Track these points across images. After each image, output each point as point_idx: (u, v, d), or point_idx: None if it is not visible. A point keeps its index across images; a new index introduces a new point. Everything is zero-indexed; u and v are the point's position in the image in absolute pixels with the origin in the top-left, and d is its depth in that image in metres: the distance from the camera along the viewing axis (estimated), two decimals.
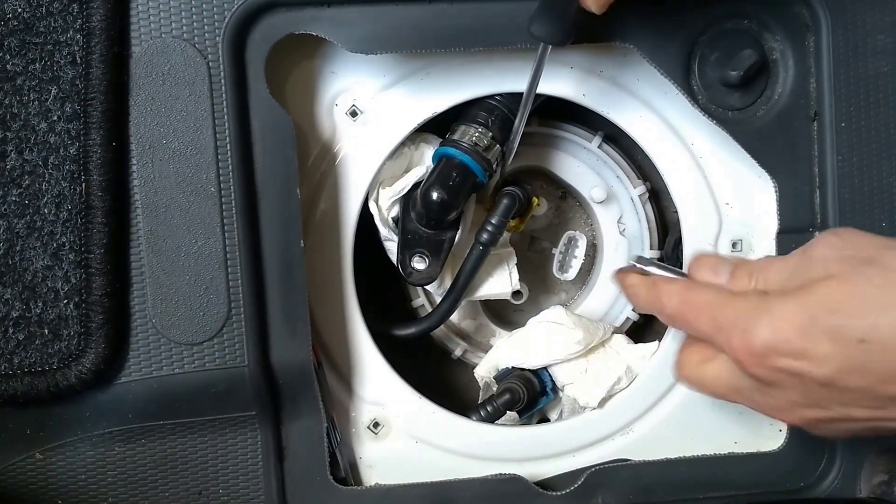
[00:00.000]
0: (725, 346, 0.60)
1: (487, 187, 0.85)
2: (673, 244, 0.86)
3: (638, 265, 0.70)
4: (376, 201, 0.78)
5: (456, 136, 0.76)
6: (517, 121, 0.75)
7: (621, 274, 0.71)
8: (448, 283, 0.81)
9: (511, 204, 0.78)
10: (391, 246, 0.79)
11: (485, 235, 0.78)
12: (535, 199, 0.81)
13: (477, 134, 0.76)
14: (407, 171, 0.78)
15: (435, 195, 0.74)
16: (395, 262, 0.79)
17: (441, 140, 0.78)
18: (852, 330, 0.55)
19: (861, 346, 0.54)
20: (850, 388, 0.56)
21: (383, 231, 0.79)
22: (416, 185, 0.77)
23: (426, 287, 0.84)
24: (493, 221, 0.78)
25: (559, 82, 0.77)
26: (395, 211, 0.78)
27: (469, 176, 0.76)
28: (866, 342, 0.54)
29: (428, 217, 0.76)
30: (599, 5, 0.63)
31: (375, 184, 0.77)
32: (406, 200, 0.77)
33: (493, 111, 0.76)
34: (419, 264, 0.78)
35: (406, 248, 0.78)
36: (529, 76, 0.71)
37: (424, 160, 0.79)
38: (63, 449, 0.72)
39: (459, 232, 0.79)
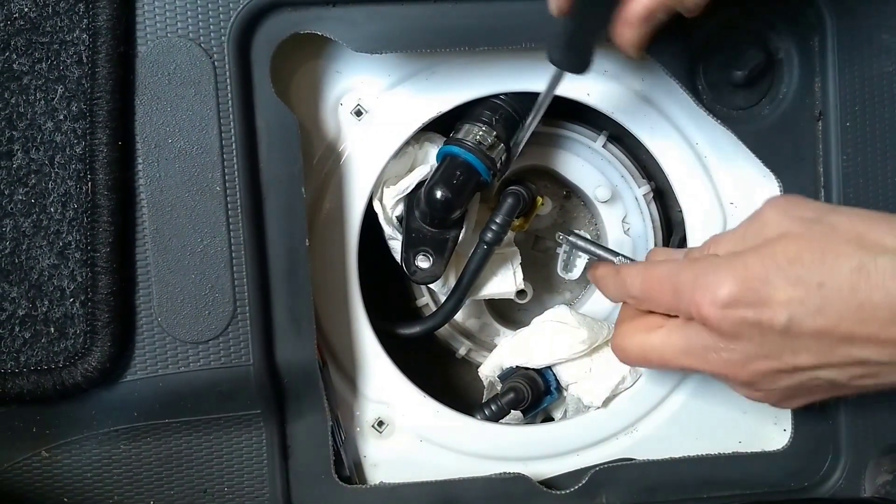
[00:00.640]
0: (690, 305, 0.62)
1: (492, 186, 0.85)
2: (677, 244, 0.86)
3: (570, 238, 0.77)
4: (380, 200, 0.78)
5: (460, 135, 0.76)
6: (522, 133, 0.75)
7: (592, 267, 0.74)
8: (452, 281, 0.81)
9: (515, 203, 0.78)
10: (395, 245, 0.79)
11: (489, 235, 0.78)
12: (539, 199, 0.81)
13: (481, 133, 0.76)
14: (411, 169, 0.78)
15: (439, 194, 0.75)
16: (399, 260, 0.79)
17: (445, 139, 0.78)
18: (811, 275, 0.59)
19: (820, 290, 0.58)
20: (805, 333, 0.60)
21: (387, 230, 0.79)
22: (420, 184, 0.77)
23: (430, 286, 0.84)
24: (497, 221, 0.78)
25: (564, 81, 0.77)
26: (400, 210, 0.78)
27: (473, 175, 0.76)
28: (825, 286, 0.58)
29: (432, 216, 0.76)
30: (635, 50, 0.65)
31: (380, 183, 0.78)
32: (410, 199, 0.78)
33: (497, 110, 0.77)
34: (423, 263, 0.78)
35: (410, 247, 0.78)
36: (541, 97, 0.73)
37: (429, 159, 0.79)
38: (69, 447, 0.72)
39: (463, 231, 0.79)
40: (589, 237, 0.79)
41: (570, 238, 0.77)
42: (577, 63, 0.68)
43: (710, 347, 0.64)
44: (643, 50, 0.66)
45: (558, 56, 0.68)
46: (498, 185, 0.81)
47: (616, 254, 0.76)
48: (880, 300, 0.57)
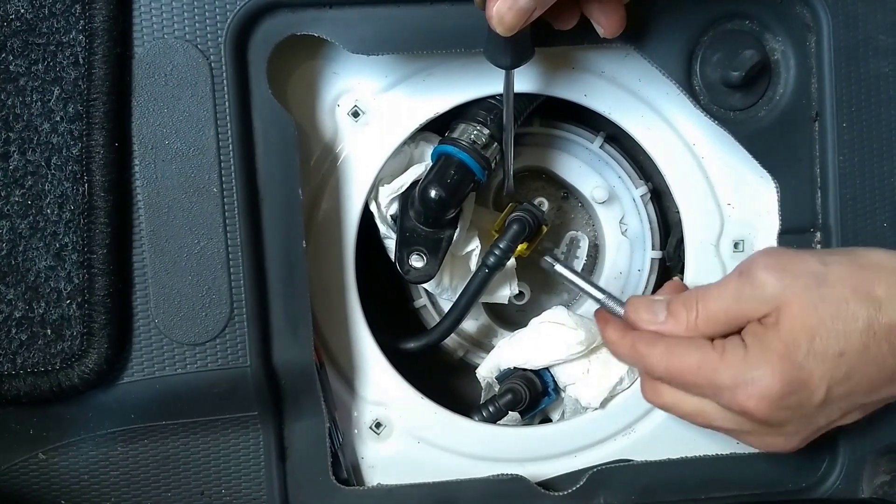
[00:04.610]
0: (732, 403, 0.65)
1: (488, 186, 0.85)
2: (675, 244, 0.86)
3: (556, 268, 0.76)
4: (375, 199, 0.78)
5: (455, 135, 0.76)
6: (506, 134, 0.75)
7: (601, 323, 0.73)
8: (446, 281, 0.81)
9: (520, 230, 0.78)
10: (390, 244, 0.79)
11: (491, 259, 0.77)
12: (543, 227, 0.80)
13: (475, 132, 0.76)
14: (406, 168, 0.78)
15: (433, 193, 0.75)
16: (393, 259, 0.79)
17: (440, 138, 0.78)
18: (831, 346, 0.63)
19: (841, 359, 0.63)
20: (836, 399, 0.64)
21: (382, 229, 0.79)
22: (414, 183, 0.77)
23: (427, 288, 0.84)
24: (500, 246, 0.77)
25: (561, 83, 0.77)
26: (394, 208, 0.78)
27: (467, 174, 0.76)
28: (844, 353, 0.63)
29: (426, 215, 0.76)
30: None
31: (377, 184, 0.78)
32: (405, 198, 0.78)
33: (492, 110, 0.77)
34: (417, 262, 0.78)
35: (404, 246, 0.78)
36: (503, 98, 0.73)
37: (424, 158, 0.79)
38: (66, 449, 0.72)
39: (457, 230, 0.79)
40: (575, 270, 0.77)
41: (556, 268, 0.76)
42: (501, 58, 0.68)
43: (752, 433, 0.68)
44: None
45: (487, 54, 0.68)
46: (507, 205, 0.81)
47: (602, 291, 0.74)
48: (887, 350, 0.63)
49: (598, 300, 0.74)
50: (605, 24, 0.68)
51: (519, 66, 0.69)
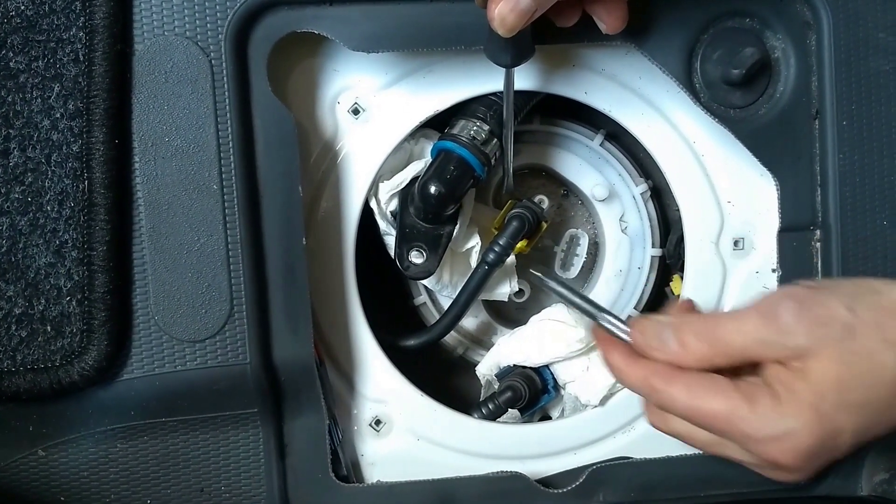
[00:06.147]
0: (762, 455, 0.63)
1: (488, 183, 0.85)
2: (675, 242, 0.86)
3: (548, 282, 0.69)
4: (375, 195, 0.78)
5: (455, 131, 0.76)
6: (505, 130, 0.75)
7: (602, 344, 0.67)
8: (446, 278, 0.81)
9: (520, 227, 0.78)
10: (390, 240, 0.79)
11: (491, 256, 0.78)
12: (543, 224, 0.80)
13: (475, 128, 0.76)
14: (406, 165, 0.78)
15: (433, 189, 0.75)
16: (392, 255, 0.79)
17: (440, 134, 0.78)
18: (861, 398, 0.61)
19: (868, 408, 0.62)
20: (859, 444, 0.63)
21: (382, 225, 0.79)
22: (414, 179, 0.77)
23: (427, 285, 0.84)
24: (500, 243, 0.78)
25: (561, 80, 0.77)
26: (394, 204, 0.78)
27: (467, 170, 0.76)
28: (871, 404, 0.62)
29: (426, 211, 0.76)
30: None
31: (377, 180, 0.78)
32: (404, 194, 0.78)
33: (492, 106, 0.77)
34: (417, 258, 0.78)
35: (404, 242, 0.78)
36: (504, 96, 0.73)
37: (424, 154, 0.79)
38: (65, 446, 0.72)
39: (457, 227, 0.79)
40: (566, 283, 0.70)
41: (549, 282, 0.69)
42: (502, 56, 0.68)
43: (776, 474, 0.65)
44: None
45: (487, 53, 0.68)
46: (506, 202, 0.81)
47: (599, 308, 0.67)
48: None
49: (594, 317, 0.68)
50: (607, 20, 0.69)
51: (519, 65, 0.69)
